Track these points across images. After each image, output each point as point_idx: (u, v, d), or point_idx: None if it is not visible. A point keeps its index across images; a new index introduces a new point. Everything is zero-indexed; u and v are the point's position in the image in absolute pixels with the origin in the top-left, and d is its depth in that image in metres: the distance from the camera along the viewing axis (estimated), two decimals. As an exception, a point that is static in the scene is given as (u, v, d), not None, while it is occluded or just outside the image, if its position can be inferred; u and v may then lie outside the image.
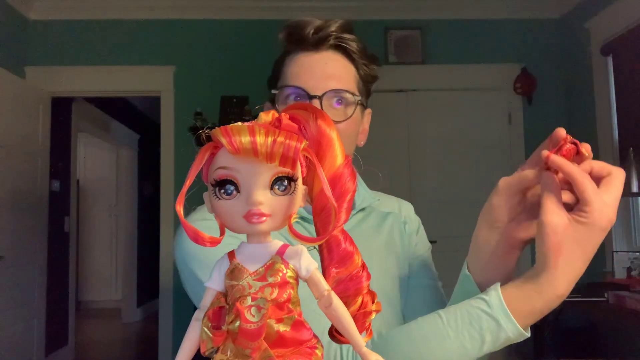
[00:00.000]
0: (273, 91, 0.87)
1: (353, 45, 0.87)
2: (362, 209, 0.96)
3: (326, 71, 0.85)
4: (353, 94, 0.86)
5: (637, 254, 2.77)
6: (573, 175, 0.61)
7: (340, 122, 0.84)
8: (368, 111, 0.95)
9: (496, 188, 0.69)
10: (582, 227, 0.61)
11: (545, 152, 0.62)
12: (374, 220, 0.96)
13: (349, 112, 0.86)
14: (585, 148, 0.63)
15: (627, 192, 2.66)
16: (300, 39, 0.86)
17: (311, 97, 0.83)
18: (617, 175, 0.63)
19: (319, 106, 0.82)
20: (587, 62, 3.39)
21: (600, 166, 0.64)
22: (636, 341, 2.69)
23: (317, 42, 0.85)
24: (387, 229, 0.95)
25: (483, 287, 0.70)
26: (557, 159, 0.61)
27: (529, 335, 0.66)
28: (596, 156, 0.64)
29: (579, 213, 0.61)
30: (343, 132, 0.85)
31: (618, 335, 2.91)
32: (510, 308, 0.65)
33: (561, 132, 0.63)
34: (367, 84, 0.92)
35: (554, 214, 0.62)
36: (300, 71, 0.85)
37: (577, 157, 0.63)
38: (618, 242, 3.10)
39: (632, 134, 2.97)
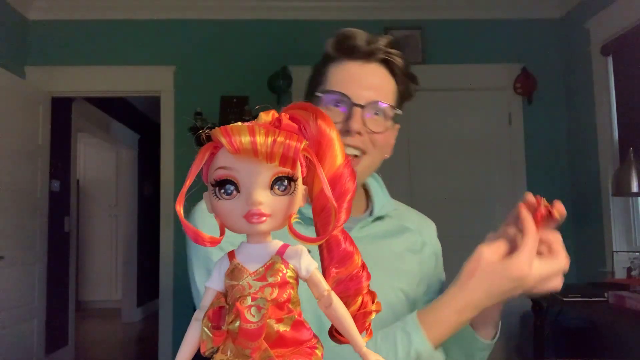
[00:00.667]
0: (317, 93, 0.88)
1: (399, 62, 0.90)
2: (380, 218, 0.96)
3: (371, 82, 0.87)
4: (393, 107, 0.89)
5: (637, 254, 2.77)
6: (526, 231, 0.69)
7: (379, 132, 0.87)
8: (397, 126, 0.97)
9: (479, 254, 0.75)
10: (499, 267, 0.68)
11: (521, 204, 0.71)
12: (390, 231, 0.96)
13: (387, 124, 0.89)
14: (558, 210, 0.69)
15: (627, 192, 2.66)
16: (351, 49, 0.88)
17: (354, 105, 0.85)
18: (558, 260, 0.70)
19: (359, 115, 0.84)
20: (587, 62, 3.39)
21: (556, 243, 0.70)
22: (636, 341, 2.69)
23: (367, 54, 0.88)
24: (401, 243, 0.96)
25: (476, 324, 0.79)
26: (523, 212, 0.70)
27: (440, 357, 0.74)
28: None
29: (508, 255, 0.70)
30: (379, 142, 0.88)
31: (618, 335, 2.91)
32: (421, 320, 0.72)
33: (529, 196, 0.71)
34: (402, 100, 0.95)
35: (490, 248, 0.70)
36: (347, 79, 0.87)
37: (551, 219, 0.70)
38: (618, 242, 3.09)
39: (632, 134, 2.97)
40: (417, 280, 0.94)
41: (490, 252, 0.70)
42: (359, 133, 0.85)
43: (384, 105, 0.87)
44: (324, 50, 0.91)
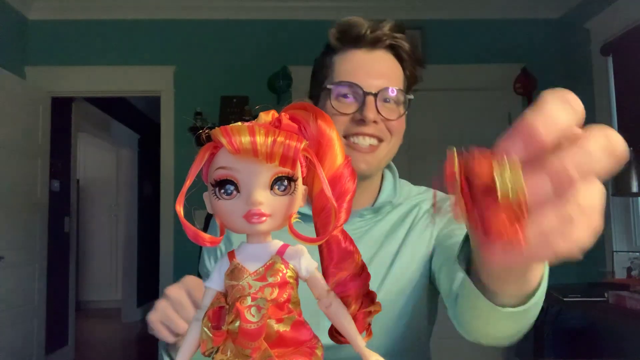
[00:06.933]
0: (328, 86, 0.86)
1: (405, 46, 0.89)
2: (387, 209, 0.94)
3: (380, 70, 0.86)
4: (405, 93, 0.88)
5: (637, 254, 2.77)
6: None
7: (394, 120, 0.87)
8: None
9: None
10: None
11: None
12: (393, 219, 0.94)
13: (400, 110, 0.88)
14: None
15: (627, 192, 2.66)
16: (355, 38, 0.87)
17: (366, 94, 0.84)
18: None
19: (372, 103, 0.83)
20: (587, 62, 3.38)
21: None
22: (636, 341, 2.69)
23: (373, 42, 0.87)
24: (403, 230, 0.93)
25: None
26: None
27: None
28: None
29: None
30: (396, 129, 0.87)
31: (618, 335, 2.91)
32: None
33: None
34: (410, 85, 0.93)
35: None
36: (355, 68, 0.86)
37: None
38: (618, 242, 3.09)
39: (632, 134, 2.97)
40: (419, 260, 0.91)
41: None
42: (375, 121, 0.84)
43: (395, 91, 0.86)
44: (326, 42, 0.90)
